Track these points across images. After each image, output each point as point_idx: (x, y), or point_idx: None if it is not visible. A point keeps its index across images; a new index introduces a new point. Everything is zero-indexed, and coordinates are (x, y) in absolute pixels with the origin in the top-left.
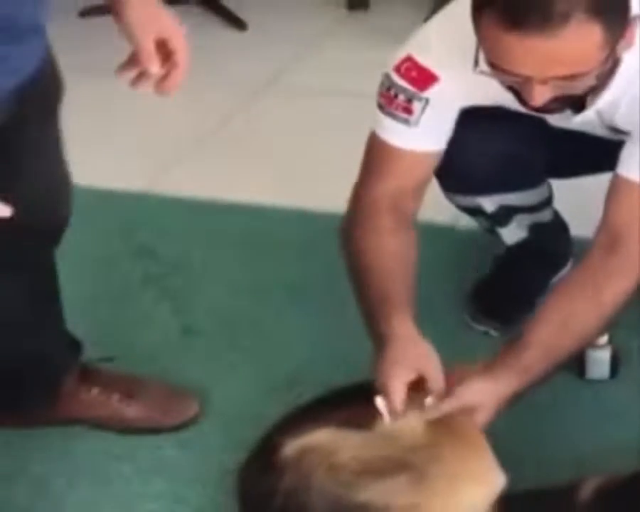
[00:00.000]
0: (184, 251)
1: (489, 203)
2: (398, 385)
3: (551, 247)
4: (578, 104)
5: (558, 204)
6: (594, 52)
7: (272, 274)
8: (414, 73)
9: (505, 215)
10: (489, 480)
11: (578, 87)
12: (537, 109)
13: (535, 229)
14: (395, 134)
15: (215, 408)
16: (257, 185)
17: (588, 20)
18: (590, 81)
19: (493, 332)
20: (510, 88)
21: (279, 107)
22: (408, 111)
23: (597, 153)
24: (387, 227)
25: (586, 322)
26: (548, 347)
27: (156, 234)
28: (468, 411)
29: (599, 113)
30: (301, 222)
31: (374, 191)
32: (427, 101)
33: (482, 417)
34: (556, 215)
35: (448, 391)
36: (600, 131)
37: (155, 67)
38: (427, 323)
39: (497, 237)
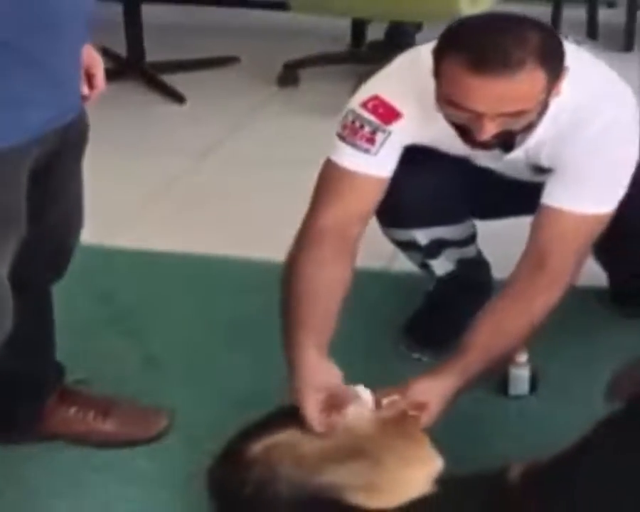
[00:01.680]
0: (139, 296)
1: (422, 236)
2: (312, 405)
3: (475, 281)
4: (509, 143)
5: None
6: (538, 93)
7: (218, 312)
8: (380, 109)
9: (436, 248)
10: (430, 462)
11: (519, 123)
12: (480, 144)
13: (461, 263)
14: (354, 160)
15: (179, 424)
16: (201, 237)
17: (537, 67)
18: (530, 118)
19: (425, 358)
20: (456, 126)
21: (218, 173)
22: (371, 141)
23: (517, 196)
24: (327, 258)
25: (518, 328)
26: (485, 350)
27: (112, 281)
28: (417, 407)
29: (526, 152)
30: (243, 268)
31: (323, 218)
32: (389, 133)
33: (430, 412)
34: (479, 253)
35: (400, 392)
36: (523, 172)
37: (85, 90)
38: (368, 356)
39: (428, 273)
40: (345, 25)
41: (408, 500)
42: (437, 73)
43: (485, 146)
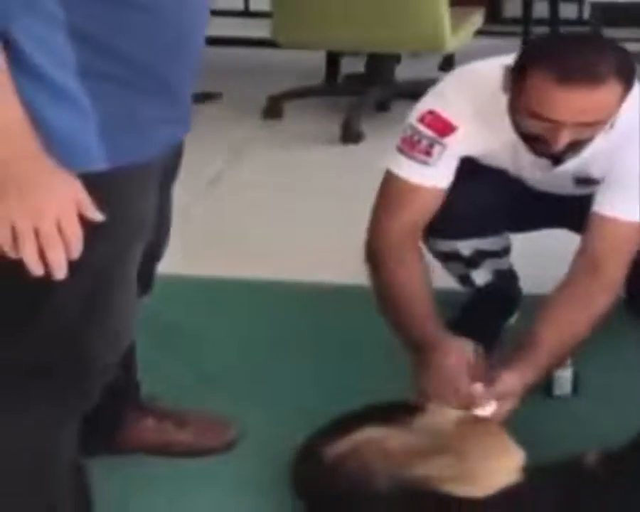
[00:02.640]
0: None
1: (465, 247)
2: (464, 381)
3: (509, 292)
4: (562, 156)
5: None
6: (615, 106)
7: (258, 331)
8: (436, 123)
9: (477, 258)
10: (513, 453)
11: (591, 133)
12: (550, 154)
13: (498, 274)
14: (415, 173)
15: (248, 434)
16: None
17: (616, 81)
18: (602, 129)
19: None
20: (527, 137)
21: (224, 199)
22: (428, 154)
23: (554, 208)
24: (411, 260)
25: (581, 326)
26: (554, 345)
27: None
28: (501, 396)
29: (578, 164)
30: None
31: (395, 225)
32: (445, 146)
33: (511, 402)
34: (511, 265)
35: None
36: (565, 185)
37: None
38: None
39: (467, 285)
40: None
41: (498, 488)
42: (519, 87)
43: (554, 155)
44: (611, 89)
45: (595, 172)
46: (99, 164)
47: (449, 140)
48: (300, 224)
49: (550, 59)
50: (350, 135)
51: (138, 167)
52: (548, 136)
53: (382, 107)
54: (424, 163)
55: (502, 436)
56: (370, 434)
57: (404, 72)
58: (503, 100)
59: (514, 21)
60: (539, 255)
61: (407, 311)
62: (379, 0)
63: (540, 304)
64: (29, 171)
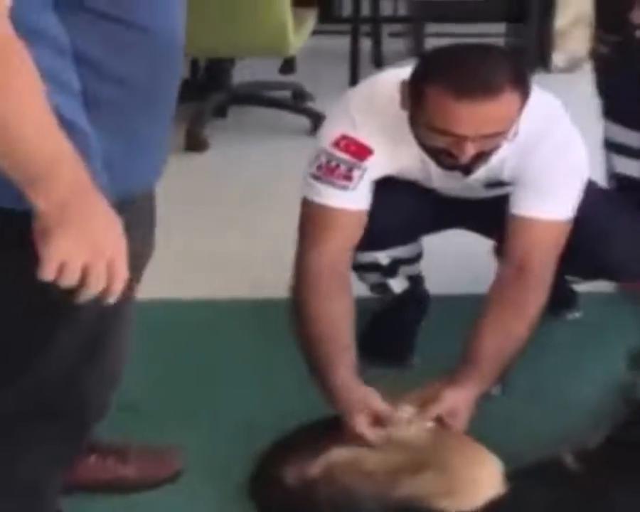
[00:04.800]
0: None
1: (384, 257)
2: (364, 423)
3: (422, 295)
4: (470, 167)
5: None
6: (515, 114)
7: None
8: (352, 147)
9: (394, 267)
10: (491, 461)
11: (495, 144)
12: (458, 166)
13: (412, 279)
14: (334, 198)
15: (192, 461)
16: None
17: (513, 91)
18: (504, 138)
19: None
20: (432, 151)
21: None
22: (349, 178)
23: (466, 212)
24: (334, 291)
25: (520, 331)
26: (497, 356)
27: None
28: (450, 415)
29: (488, 170)
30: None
31: (318, 257)
32: (364, 169)
33: (461, 419)
34: (420, 270)
35: (428, 402)
36: (476, 190)
37: None
38: None
39: (384, 293)
40: None
41: (486, 499)
42: (418, 103)
43: (462, 167)
44: (509, 99)
45: (505, 175)
46: (107, 197)
47: (368, 163)
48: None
49: (447, 74)
50: (194, 143)
51: (139, 194)
52: (453, 149)
53: (220, 112)
54: (345, 187)
55: (476, 445)
56: (341, 454)
57: (240, 76)
58: (405, 116)
59: (344, 20)
60: (443, 257)
61: (324, 357)
62: (222, 6)
63: (447, 304)
64: (89, 206)
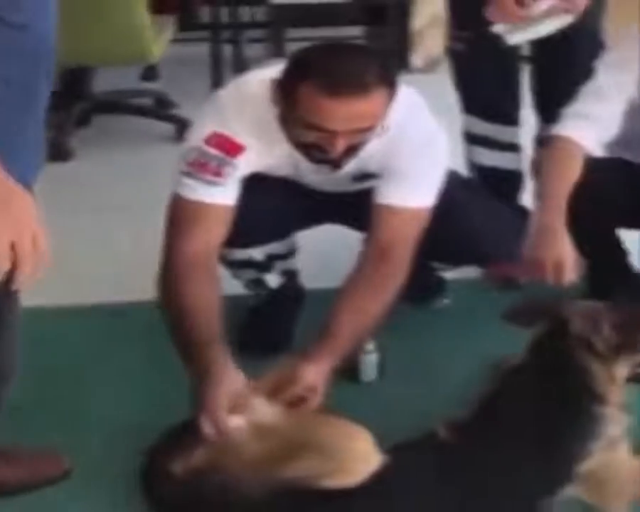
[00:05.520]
0: None
1: (259, 253)
2: (220, 407)
3: (297, 289)
4: (340, 161)
5: None
6: (383, 110)
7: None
8: (224, 144)
9: (269, 262)
10: (363, 435)
11: (364, 138)
12: (328, 161)
13: (287, 274)
14: (204, 194)
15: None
16: None
17: (381, 87)
18: (373, 133)
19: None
20: (304, 146)
21: None
22: (219, 174)
23: (337, 205)
24: (203, 282)
25: (375, 309)
26: (351, 331)
27: None
28: (309, 391)
29: (356, 163)
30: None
31: (188, 247)
32: (235, 166)
33: (318, 394)
34: (295, 264)
35: (285, 381)
36: (344, 184)
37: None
38: None
39: (259, 288)
40: None
41: (366, 473)
42: (291, 100)
43: (332, 161)
44: (378, 96)
45: (373, 168)
46: None
47: (239, 159)
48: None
49: (318, 73)
50: (58, 152)
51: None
52: (324, 144)
53: (84, 121)
54: (214, 183)
55: (346, 422)
56: (215, 446)
57: (103, 84)
58: (275, 114)
59: (204, 27)
60: (318, 251)
61: (192, 337)
62: (78, 14)
63: (323, 297)
64: (6, 188)
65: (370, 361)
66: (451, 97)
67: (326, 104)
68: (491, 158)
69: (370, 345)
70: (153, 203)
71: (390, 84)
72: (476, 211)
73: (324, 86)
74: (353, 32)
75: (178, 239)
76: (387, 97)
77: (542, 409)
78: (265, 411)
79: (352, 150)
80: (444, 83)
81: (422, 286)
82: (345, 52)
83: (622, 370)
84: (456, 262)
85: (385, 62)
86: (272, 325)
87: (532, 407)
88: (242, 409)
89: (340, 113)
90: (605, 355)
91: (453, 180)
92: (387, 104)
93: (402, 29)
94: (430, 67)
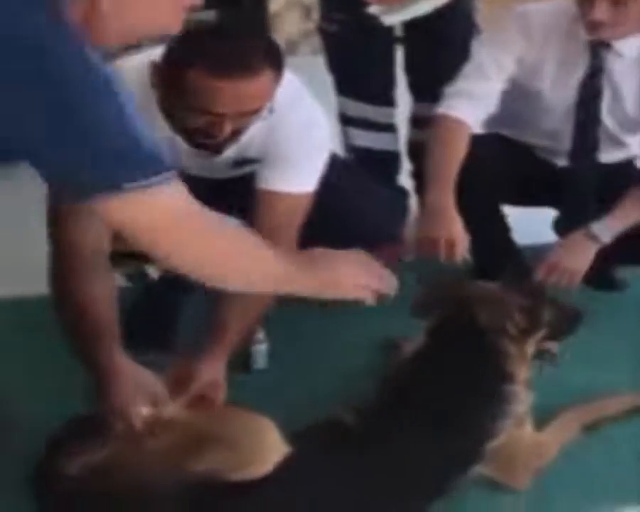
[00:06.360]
0: None
1: None
2: (131, 403)
3: (181, 281)
4: (222, 145)
5: None
6: (271, 91)
7: None
8: None
9: None
10: (266, 424)
11: (250, 121)
12: (212, 146)
13: None
14: None
15: None
16: None
17: (269, 69)
18: (260, 115)
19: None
20: (186, 131)
21: None
22: None
23: (217, 193)
24: (92, 273)
25: (263, 302)
26: (241, 322)
27: None
28: (210, 387)
29: (237, 148)
30: None
31: (75, 239)
32: None
33: (220, 389)
34: None
35: (183, 380)
36: (221, 170)
37: None
38: None
39: (141, 279)
40: None
41: (276, 462)
42: (174, 83)
43: (214, 146)
44: (265, 77)
45: (253, 153)
46: None
47: None
48: None
49: (204, 55)
50: None
51: None
52: (210, 128)
53: None
54: None
55: (251, 414)
56: (123, 440)
57: None
58: (154, 98)
59: None
60: None
61: (88, 332)
62: None
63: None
64: None
65: (259, 350)
66: (318, 78)
67: (214, 86)
68: (367, 139)
69: (260, 335)
70: None
71: (277, 65)
72: (355, 194)
73: (210, 69)
74: (207, 16)
75: (65, 229)
76: (275, 78)
77: (451, 390)
78: (170, 404)
79: (235, 134)
80: (307, 65)
81: None
82: (231, 33)
83: (531, 348)
84: (339, 246)
85: (274, 43)
86: (156, 317)
87: (440, 389)
88: (147, 402)
89: (229, 95)
90: (517, 337)
91: (333, 163)
92: (274, 85)
93: (260, 12)
94: (289, 50)
